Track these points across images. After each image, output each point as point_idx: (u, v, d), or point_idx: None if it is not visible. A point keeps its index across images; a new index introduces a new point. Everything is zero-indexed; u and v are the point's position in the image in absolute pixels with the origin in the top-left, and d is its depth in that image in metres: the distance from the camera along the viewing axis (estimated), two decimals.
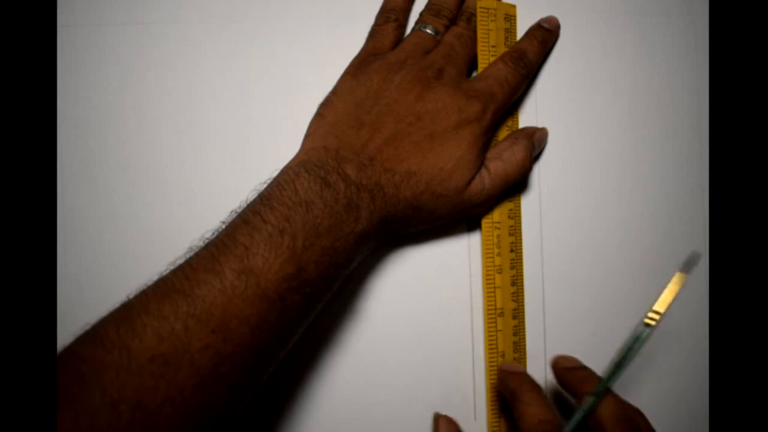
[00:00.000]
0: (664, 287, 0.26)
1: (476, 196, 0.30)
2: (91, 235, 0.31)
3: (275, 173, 0.27)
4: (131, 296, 0.23)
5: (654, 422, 0.33)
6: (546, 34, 0.33)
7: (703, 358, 0.33)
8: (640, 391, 0.33)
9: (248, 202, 0.26)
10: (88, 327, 0.23)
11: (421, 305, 0.32)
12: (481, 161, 0.30)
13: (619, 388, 0.33)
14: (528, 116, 0.33)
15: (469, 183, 0.29)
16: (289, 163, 0.28)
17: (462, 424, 0.31)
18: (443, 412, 0.31)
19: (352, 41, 0.32)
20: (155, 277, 0.24)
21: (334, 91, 0.30)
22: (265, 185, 0.27)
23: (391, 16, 0.32)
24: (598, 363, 0.33)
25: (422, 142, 0.29)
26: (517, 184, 0.32)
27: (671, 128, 0.34)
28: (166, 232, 0.32)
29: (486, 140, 0.30)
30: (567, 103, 0.34)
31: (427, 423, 0.32)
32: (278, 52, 0.33)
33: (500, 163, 0.30)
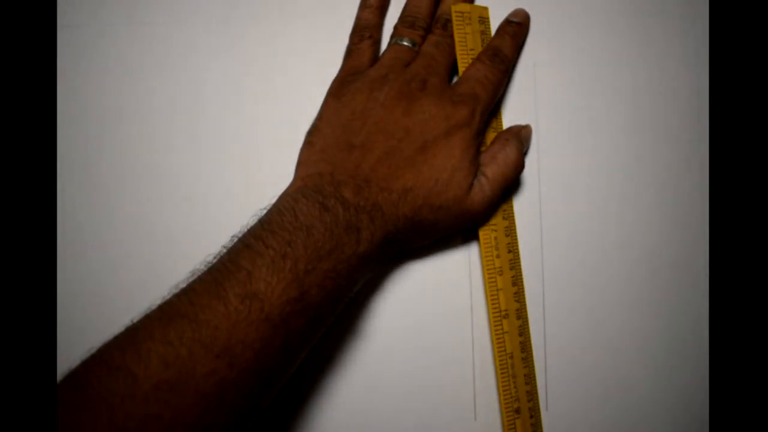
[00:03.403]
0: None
1: (479, 204, 0.30)
2: (91, 235, 0.31)
3: (274, 199, 0.27)
4: (135, 320, 0.23)
5: (654, 422, 0.33)
6: (516, 28, 0.32)
7: (703, 358, 0.33)
8: (641, 391, 0.33)
9: (248, 227, 0.26)
10: (93, 351, 0.23)
11: (422, 308, 0.32)
12: (476, 167, 0.30)
13: (617, 386, 0.33)
14: (528, 117, 0.33)
15: (468, 191, 0.29)
16: (286, 191, 0.28)
17: (462, 424, 0.31)
18: (444, 412, 0.31)
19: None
20: (158, 301, 0.24)
21: (320, 117, 0.30)
22: (265, 211, 0.27)
23: (365, 34, 0.32)
24: (598, 363, 0.33)
25: (415, 156, 0.28)
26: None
27: (671, 128, 0.34)
28: (166, 232, 0.32)
29: (478, 144, 0.30)
30: (567, 103, 0.34)
31: (428, 428, 0.32)
32: (280, 52, 0.33)
33: (496, 167, 0.30)
